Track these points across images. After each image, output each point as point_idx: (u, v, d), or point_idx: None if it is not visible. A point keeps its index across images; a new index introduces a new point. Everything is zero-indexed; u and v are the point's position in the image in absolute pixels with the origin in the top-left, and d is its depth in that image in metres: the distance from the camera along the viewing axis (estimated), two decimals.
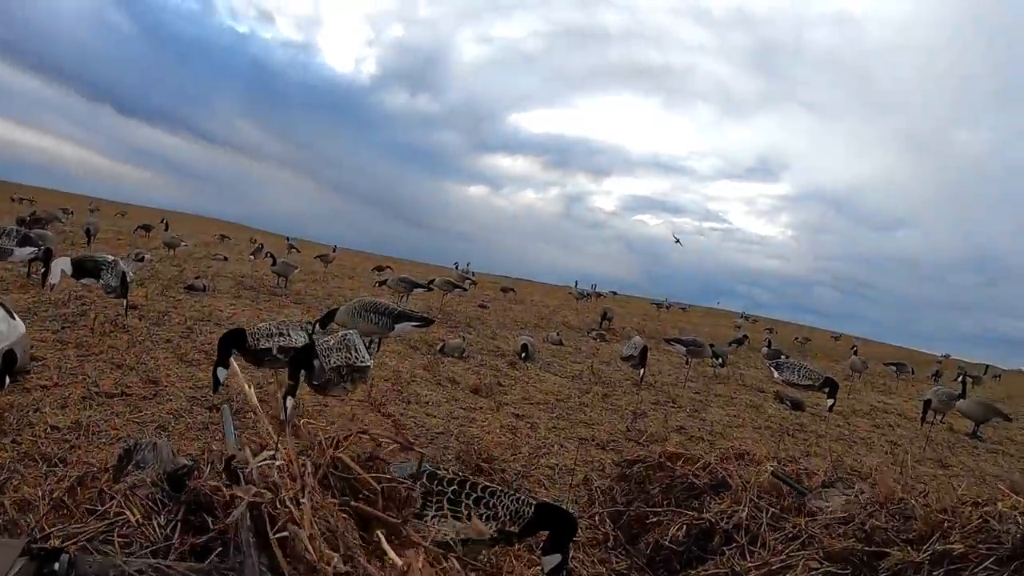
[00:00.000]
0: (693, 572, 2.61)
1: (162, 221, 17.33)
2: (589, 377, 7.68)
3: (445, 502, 2.21)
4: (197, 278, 9.03)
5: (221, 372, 3.67)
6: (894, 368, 15.20)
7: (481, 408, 5.12)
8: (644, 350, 7.10)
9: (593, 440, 4.72)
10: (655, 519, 2.91)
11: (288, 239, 20.70)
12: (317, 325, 5.01)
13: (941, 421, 8.49)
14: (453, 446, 3.92)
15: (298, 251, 19.31)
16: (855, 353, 14.27)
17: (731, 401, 7.75)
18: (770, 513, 2.69)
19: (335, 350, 3.49)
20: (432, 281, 12.56)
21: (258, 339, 3.86)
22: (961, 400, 8.04)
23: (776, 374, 7.27)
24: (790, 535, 2.55)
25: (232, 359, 3.56)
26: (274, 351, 3.89)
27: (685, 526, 2.78)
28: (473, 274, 24.55)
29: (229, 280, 10.43)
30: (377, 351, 5.87)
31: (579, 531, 2.68)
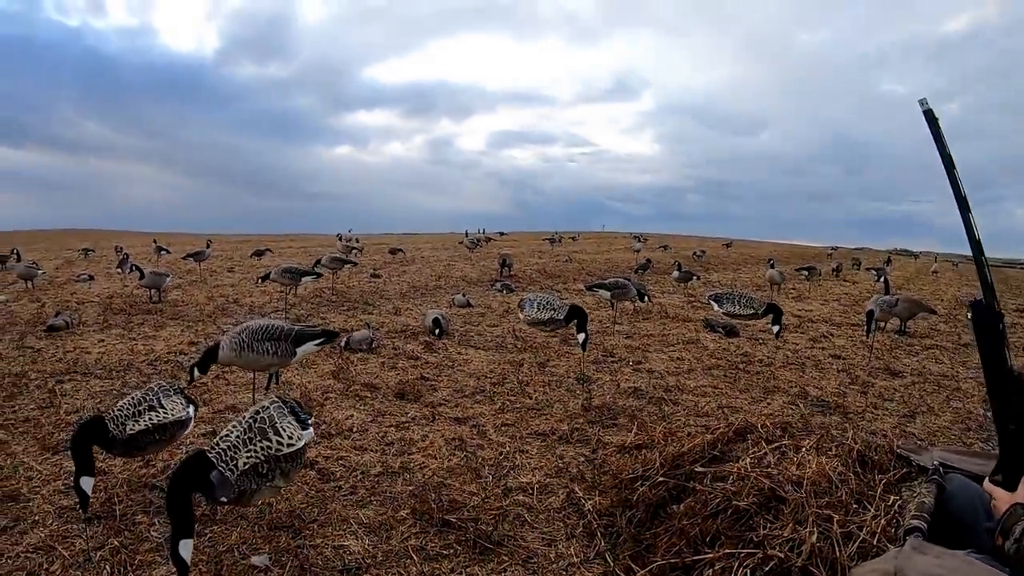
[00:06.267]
0: None
1: (12, 251, 14.83)
2: (514, 343, 7.23)
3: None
4: (58, 314, 7.80)
5: (86, 482, 2.83)
6: (805, 273, 15.51)
7: (414, 419, 4.56)
8: (575, 310, 5.84)
9: (553, 433, 4.26)
10: (702, 560, 2.26)
11: (155, 241, 18.74)
12: (195, 371, 4.35)
13: (883, 329, 8.63)
14: (402, 494, 3.31)
15: (168, 251, 17.46)
16: (771, 266, 14.35)
17: (666, 341, 7.57)
18: (845, 526, 2.14)
19: (243, 443, 2.52)
20: (318, 262, 11.70)
21: (123, 424, 3.02)
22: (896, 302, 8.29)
23: (717, 307, 6.96)
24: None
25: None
26: (152, 435, 3.08)
27: (749, 571, 2.11)
28: (358, 240, 23.47)
29: (96, 306, 9.15)
30: (278, 382, 5.11)
31: None
